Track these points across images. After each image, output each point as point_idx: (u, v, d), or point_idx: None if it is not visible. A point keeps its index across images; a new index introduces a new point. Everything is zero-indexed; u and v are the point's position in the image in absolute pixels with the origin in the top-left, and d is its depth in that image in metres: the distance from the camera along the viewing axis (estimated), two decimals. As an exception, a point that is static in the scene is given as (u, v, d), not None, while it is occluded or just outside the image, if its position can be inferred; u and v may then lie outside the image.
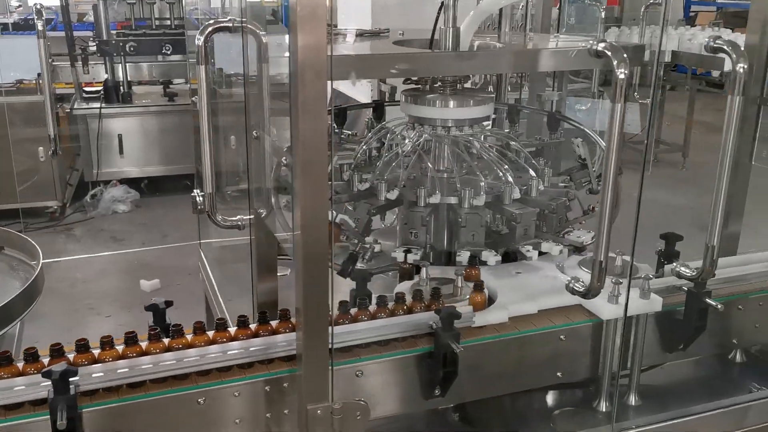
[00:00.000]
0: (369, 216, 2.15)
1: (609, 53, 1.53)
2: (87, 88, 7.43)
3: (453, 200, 2.20)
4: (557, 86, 2.92)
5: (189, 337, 1.62)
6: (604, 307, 1.96)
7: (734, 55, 1.60)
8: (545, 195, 2.31)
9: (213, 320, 2.78)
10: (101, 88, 7.19)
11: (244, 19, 1.92)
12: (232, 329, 1.66)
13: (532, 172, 2.36)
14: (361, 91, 4.09)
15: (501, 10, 2.93)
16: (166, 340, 1.61)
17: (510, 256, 2.24)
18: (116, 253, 5.97)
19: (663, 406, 2.10)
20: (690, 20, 12.83)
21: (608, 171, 1.57)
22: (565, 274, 2.18)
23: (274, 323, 1.72)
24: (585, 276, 2.11)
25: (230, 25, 1.96)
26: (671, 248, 2.22)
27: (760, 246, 2.39)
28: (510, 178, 2.25)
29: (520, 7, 3.27)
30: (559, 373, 2.01)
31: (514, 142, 2.49)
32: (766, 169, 2.40)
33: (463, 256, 2.06)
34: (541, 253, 2.22)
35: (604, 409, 2.05)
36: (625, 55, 1.52)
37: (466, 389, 1.91)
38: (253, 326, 1.69)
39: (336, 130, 2.66)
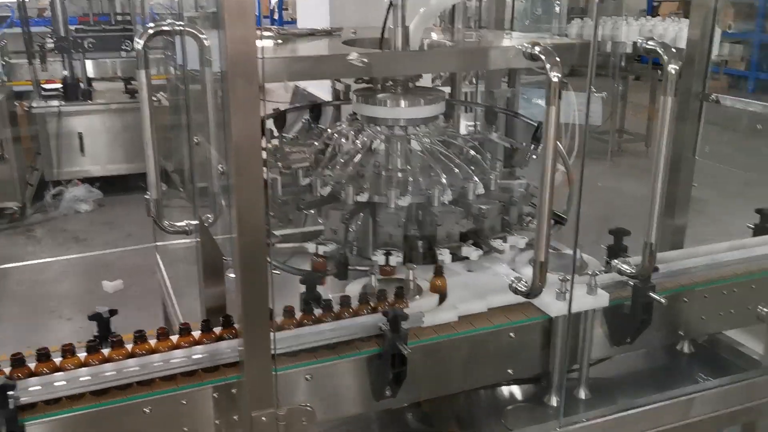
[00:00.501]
0: (343, 222, 2.13)
1: (542, 57, 1.54)
2: (46, 86, 7.30)
3: (409, 200, 2.20)
4: (510, 82, 2.93)
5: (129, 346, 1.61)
6: (552, 304, 1.98)
7: (666, 57, 1.62)
8: (501, 188, 2.32)
9: (169, 323, 2.76)
10: (60, 85, 7.07)
11: (181, 23, 1.90)
12: (174, 337, 1.65)
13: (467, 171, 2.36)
14: (322, 88, 4.08)
15: (454, 6, 2.93)
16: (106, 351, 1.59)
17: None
18: (78, 254, 5.88)
19: (612, 398, 2.13)
20: (654, 10, 12.98)
21: (545, 172, 1.59)
22: (516, 271, 2.20)
23: (219, 330, 1.71)
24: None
25: (170, 29, 1.94)
26: (619, 243, 2.25)
27: (723, 234, 2.42)
28: (457, 178, 2.25)
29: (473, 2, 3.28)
30: (510, 370, 2.03)
31: (466, 140, 2.50)
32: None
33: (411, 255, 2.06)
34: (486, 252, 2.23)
35: (554, 404, 2.08)
36: (557, 59, 1.53)
37: (418, 389, 1.92)
38: (196, 334, 1.68)
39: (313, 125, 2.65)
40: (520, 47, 1.64)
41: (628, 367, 2.27)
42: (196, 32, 1.84)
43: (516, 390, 2.21)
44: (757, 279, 2.22)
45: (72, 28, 7.10)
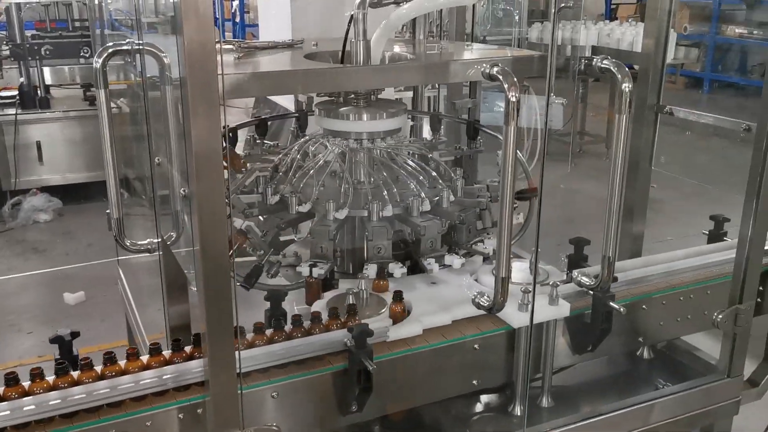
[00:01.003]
0: (278, 230, 2.14)
1: (500, 77, 1.56)
2: (2, 93, 7.15)
3: (364, 213, 2.21)
4: (471, 92, 2.96)
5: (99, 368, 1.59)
6: (514, 315, 2.01)
7: (619, 76, 1.66)
8: (457, 206, 2.34)
9: (131, 336, 2.73)
10: (17, 93, 6.93)
11: (141, 41, 1.88)
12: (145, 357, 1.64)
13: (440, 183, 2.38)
14: (288, 99, 4.07)
15: (414, 18, 2.95)
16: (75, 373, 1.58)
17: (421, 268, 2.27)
18: (38, 265, 5.77)
19: (575, 406, 2.18)
20: (612, 13, 13.22)
21: (505, 189, 1.61)
22: (479, 282, 2.23)
23: (189, 348, 1.70)
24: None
25: (129, 48, 1.92)
26: (579, 253, 2.30)
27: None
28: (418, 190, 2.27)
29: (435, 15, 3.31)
30: (475, 381, 2.06)
31: (430, 152, 2.52)
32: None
33: (371, 269, 2.07)
34: (444, 266, 2.26)
35: (519, 413, 2.11)
36: (515, 79, 1.56)
37: (385, 402, 1.94)
38: (167, 353, 1.67)
39: (257, 141, 2.63)
40: (478, 67, 1.67)
41: (590, 375, 2.32)
42: (155, 51, 1.83)
43: (482, 400, 2.24)
44: (712, 285, 2.29)
45: (28, 34, 6.97)
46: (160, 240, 2.13)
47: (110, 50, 1.88)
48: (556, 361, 2.16)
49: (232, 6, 15.32)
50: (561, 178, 6.85)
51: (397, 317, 1.98)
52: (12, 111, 6.75)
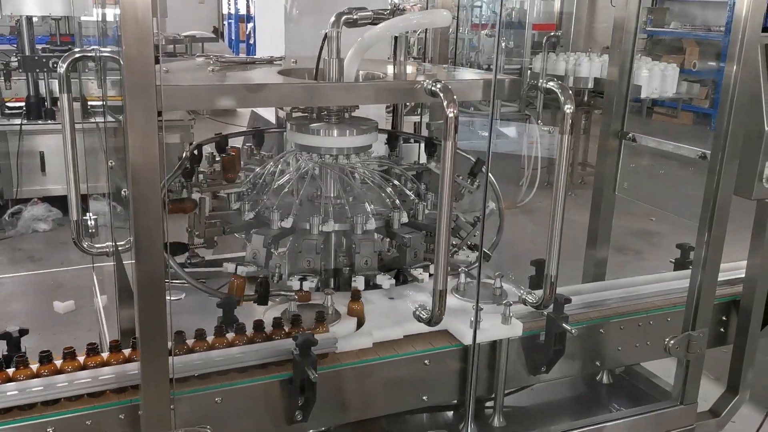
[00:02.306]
0: (266, 247, 2.15)
1: (441, 94, 1.60)
2: (10, 104, 7.28)
3: (335, 227, 2.23)
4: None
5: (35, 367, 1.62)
6: (466, 332, 2.02)
7: (562, 98, 1.69)
8: (429, 218, 2.37)
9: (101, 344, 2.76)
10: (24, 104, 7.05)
11: (105, 49, 1.94)
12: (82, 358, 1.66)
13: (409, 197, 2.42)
14: (269, 111, 4.13)
15: (396, 39, 3.01)
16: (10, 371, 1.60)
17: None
18: (31, 274, 5.82)
19: (527, 427, 2.17)
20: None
21: (442, 205, 1.64)
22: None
23: (128, 351, 1.73)
24: (454, 301, 2.18)
25: (92, 54, 1.98)
26: (540, 275, 2.30)
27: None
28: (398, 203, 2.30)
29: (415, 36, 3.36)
30: (424, 397, 2.06)
31: (397, 168, 2.56)
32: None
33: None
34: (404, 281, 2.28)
35: (469, 432, 2.11)
36: (455, 97, 1.59)
37: (330, 414, 1.95)
38: (105, 355, 1.69)
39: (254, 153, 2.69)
40: (423, 84, 1.70)
41: (545, 397, 2.32)
42: (115, 56, 1.88)
43: (433, 417, 2.24)
44: (672, 312, 2.29)
45: (40, 47, 7.11)
46: (113, 244, 2.16)
47: (76, 56, 1.94)
48: (513, 381, 2.17)
49: (246, 27, 15.57)
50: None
51: (357, 315, 2.01)
52: (18, 121, 6.86)
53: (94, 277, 3.14)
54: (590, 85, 7.82)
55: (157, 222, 1.40)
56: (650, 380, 2.39)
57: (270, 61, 2.69)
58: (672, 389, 2.25)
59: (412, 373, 2.02)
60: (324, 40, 2.27)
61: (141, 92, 1.34)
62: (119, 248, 2.13)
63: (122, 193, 1.68)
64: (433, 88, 1.63)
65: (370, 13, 2.37)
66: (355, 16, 2.34)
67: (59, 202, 7.04)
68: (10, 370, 1.61)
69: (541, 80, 1.76)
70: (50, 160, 6.97)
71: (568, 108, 1.65)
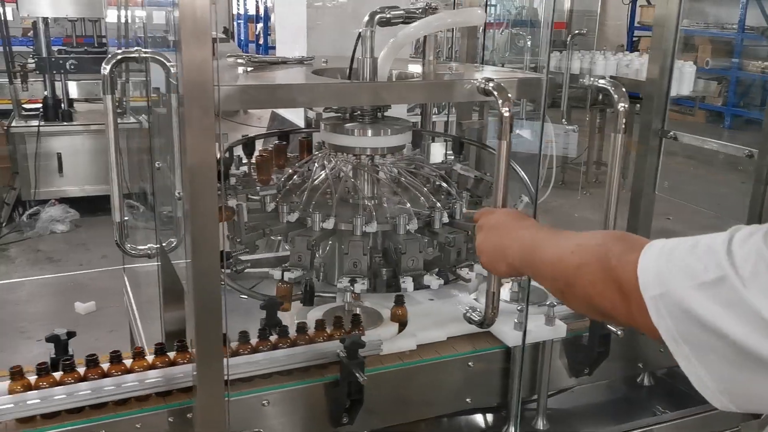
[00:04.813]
0: (309, 249, 2.13)
1: (495, 93, 1.58)
2: (27, 105, 7.30)
3: (374, 227, 2.21)
4: (480, 113, 2.98)
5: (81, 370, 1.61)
6: (509, 334, 2.00)
7: (615, 95, 1.67)
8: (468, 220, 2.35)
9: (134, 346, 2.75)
10: (41, 105, 7.07)
11: (148, 50, 1.93)
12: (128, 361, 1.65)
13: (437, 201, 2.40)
14: (297, 114, 4.12)
15: (425, 39, 2.99)
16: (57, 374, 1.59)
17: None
18: (52, 275, 5.84)
19: (571, 429, 2.14)
20: (634, 45, 13.23)
21: (497, 203, 1.62)
22: (479, 300, 2.22)
23: (173, 354, 1.71)
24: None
25: (137, 55, 1.97)
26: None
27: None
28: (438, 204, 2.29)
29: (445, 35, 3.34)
30: (468, 399, 2.04)
31: (429, 169, 2.54)
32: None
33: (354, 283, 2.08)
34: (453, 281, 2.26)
35: (512, 434, 2.09)
36: (510, 95, 1.57)
37: (376, 416, 1.93)
38: (149, 358, 1.68)
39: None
40: (474, 82, 1.68)
41: (588, 399, 2.29)
42: (163, 59, 1.87)
43: (476, 420, 2.22)
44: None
45: (55, 49, 7.12)
46: (158, 246, 2.15)
47: (119, 57, 1.93)
48: (554, 383, 2.14)
49: (256, 28, 15.58)
50: (575, 207, 6.83)
51: (400, 320, 2.00)
52: (35, 123, 6.88)
53: (126, 278, 3.13)
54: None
55: (214, 222, 1.39)
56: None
57: (301, 61, 2.67)
58: (717, 391, 2.21)
59: (455, 375, 2.01)
60: (358, 39, 2.25)
61: (199, 92, 1.33)
62: (165, 249, 2.12)
63: (176, 194, 1.66)
64: (486, 87, 1.61)
65: (402, 12, 2.35)
66: (388, 15, 2.32)
67: (77, 203, 7.06)
68: (58, 374, 1.59)
69: (591, 78, 1.74)
70: (67, 161, 6.99)
71: (622, 106, 1.63)
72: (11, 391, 1.51)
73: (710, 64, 11.68)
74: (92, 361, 1.59)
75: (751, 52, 11.95)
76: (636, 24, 13.40)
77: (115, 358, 1.62)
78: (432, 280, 2.11)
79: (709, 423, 2.17)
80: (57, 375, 1.61)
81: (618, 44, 12.00)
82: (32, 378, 1.57)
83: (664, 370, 2.38)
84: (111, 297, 5.18)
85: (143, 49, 1.98)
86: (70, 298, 5.28)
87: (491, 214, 1.45)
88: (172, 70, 1.92)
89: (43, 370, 1.54)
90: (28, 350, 4.61)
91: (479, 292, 2.28)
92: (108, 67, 1.87)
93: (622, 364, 2.21)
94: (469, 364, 2.01)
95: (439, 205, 2.25)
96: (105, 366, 1.67)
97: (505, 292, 2.19)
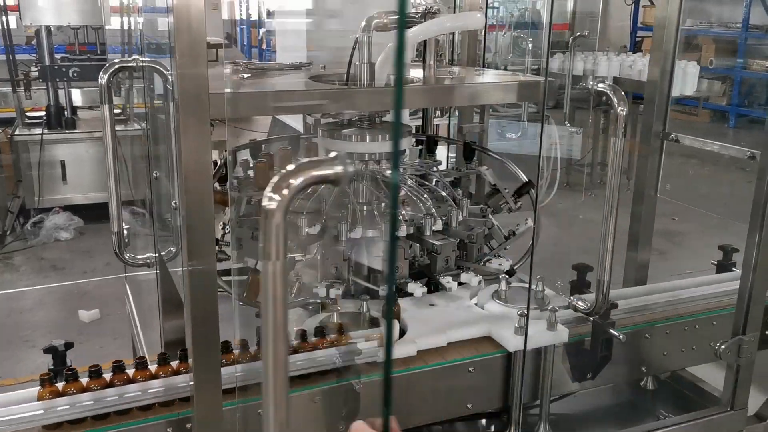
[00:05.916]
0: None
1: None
2: (30, 113, 7.31)
3: (373, 233, 2.21)
4: (480, 117, 2.97)
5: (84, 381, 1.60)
6: (510, 339, 1.98)
7: (614, 99, 1.65)
8: (464, 225, 2.34)
9: (135, 355, 2.75)
10: (44, 113, 7.08)
11: (146, 58, 1.92)
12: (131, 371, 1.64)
13: (450, 203, 2.39)
14: (295, 119, 4.11)
15: (425, 43, 2.98)
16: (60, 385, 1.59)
17: (429, 288, 2.26)
18: (56, 283, 5.84)
19: (574, 434, 2.13)
20: (637, 45, 13.20)
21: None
22: (480, 305, 2.21)
23: (176, 363, 1.70)
24: (496, 307, 2.15)
25: (134, 64, 1.97)
26: (582, 279, 2.27)
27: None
28: (432, 210, 2.27)
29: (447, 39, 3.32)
30: (469, 405, 2.03)
31: (432, 173, 2.53)
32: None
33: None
34: (460, 284, 2.25)
35: (515, 440, 2.07)
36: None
37: (377, 423, 1.92)
38: (153, 368, 1.67)
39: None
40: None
41: (590, 403, 2.27)
42: (160, 68, 1.87)
43: (477, 425, 2.20)
44: (717, 315, 2.24)
45: (58, 56, 7.14)
46: (157, 255, 2.15)
47: (116, 66, 1.92)
48: (556, 388, 2.13)
49: (259, 33, 15.60)
50: (578, 208, 6.80)
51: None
52: (39, 131, 6.89)
53: (127, 287, 3.13)
54: (609, 83, 7.77)
55: (210, 229, 1.38)
56: (696, 385, 2.35)
57: (298, 67, 2.67)
58: (721, 394, 2.20)
59: (456, 380, 1.99)
60: (355, 44, 2.25)
61: (194, 101, 1.32)
62: (163, 258, 2.12)
63: (172, 204, 1.66)
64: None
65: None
66: (385, 20, 2.31)
67: (80, 211, 7.07)
68: (60, 384, 1.58)
69: (592, 81, 1.73)
70: (71, 168, 7.00)
71: (621, 110, 1.62)
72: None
73: (714, 64, 11.65)
74: (95, 372, 1.58)
75: (755, 51, 11.91)
76: (639, 24, 13.37)
77: (118, 368, 1.61)
78: (416, 288, 2.09)
79: (713, 427, 2.15)
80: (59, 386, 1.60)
81: (621, 45, 11.98)
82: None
83: (667, 373, 2.37)
84: (115, 304, 5.18)
85: (140, 58, 1.98)
86: (74, 306, 5.28)
87: None
88: (170, 78, 1.92)
89: (47, 381, 1.54)
90: (32, 359, 4.60)
91: (480, 297, 2.27)
92: (105, 77, 1.87)
93: (625, 368, 2.20)
94: (470, 369, 1.99)
95: (432, 211, 2.23)
96: (107, 376, 1.66)
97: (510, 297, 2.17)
